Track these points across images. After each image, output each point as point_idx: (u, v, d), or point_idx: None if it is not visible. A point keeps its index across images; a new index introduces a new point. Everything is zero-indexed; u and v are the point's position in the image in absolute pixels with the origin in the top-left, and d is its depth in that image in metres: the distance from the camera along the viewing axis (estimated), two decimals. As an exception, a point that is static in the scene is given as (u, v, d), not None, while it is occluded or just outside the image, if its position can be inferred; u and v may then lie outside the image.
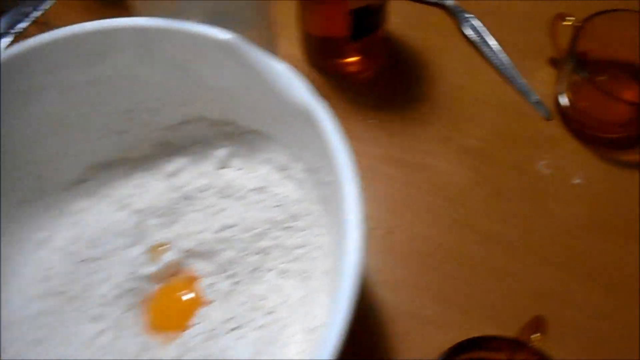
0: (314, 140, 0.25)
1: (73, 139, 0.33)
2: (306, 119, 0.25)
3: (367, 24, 0.38)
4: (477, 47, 0.43)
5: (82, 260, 0.32)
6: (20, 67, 0.28)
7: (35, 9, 0.48)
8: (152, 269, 0.31)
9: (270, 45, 0.39)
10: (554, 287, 0.33)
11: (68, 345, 0.30)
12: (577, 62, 0.36)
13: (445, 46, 0.44)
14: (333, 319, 0.19)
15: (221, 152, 0.33)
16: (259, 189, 0.31)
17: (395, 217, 0.36)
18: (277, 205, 0.31)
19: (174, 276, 0.32)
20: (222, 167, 0.33)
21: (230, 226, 0.31)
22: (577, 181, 0.37)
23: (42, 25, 0.47)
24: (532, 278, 0.34)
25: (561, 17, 0.39)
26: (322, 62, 0.43)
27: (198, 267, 0.31)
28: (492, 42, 0.43)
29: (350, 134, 0.40)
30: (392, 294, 0.34)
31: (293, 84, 0.25)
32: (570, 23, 0.38)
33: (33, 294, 0.31)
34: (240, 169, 0.33)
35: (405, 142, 0.39)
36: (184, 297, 0.31)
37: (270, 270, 0.30)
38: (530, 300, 0.33)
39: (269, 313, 0.29)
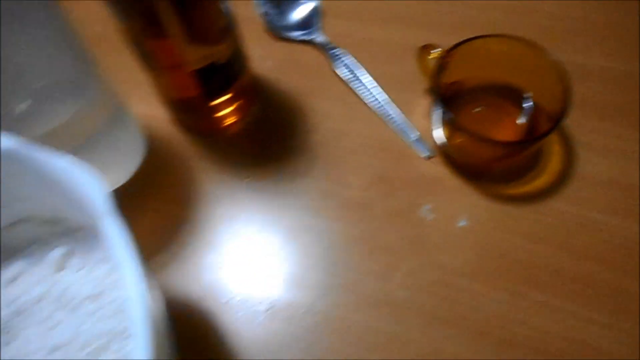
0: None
1: None
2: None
3: (218, 80, 0.35)
4: (351, 86, 0.40)
5: None
6: None
7: None
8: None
9: (120, 113, 0.35)
10: (446, 348, 0.31)
11: None
12: (441, 100, 0.33)
13: (321, 88, 0.41)
14: None
15: (56, 253, 0.29)
16: (94, 297, 0.27)
17: (276, 289, 0.33)
18: (118, 312, 0.27)
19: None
20: (60, 270, 0.29)
21: (64, 345, 0.27)
22: (462, 224, 0.34)
23: None
24: (423, 340, 0.31)
25: (427, 49, 0.36)
26: (187, 122, 0.39)
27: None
28: (367, 78, 0.40)
29: (224, 199, 0.37)
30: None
31: (79, 186, 0.22)
32: (436, 55, 0.36)
33: None
34: (80, 269, 0.29)
35: (281, 201, 0.36)
36: None
37: (118, 389, 0.26)
38: (422, 367, 0.30)
39: None
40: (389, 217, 0.35)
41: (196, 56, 0.32)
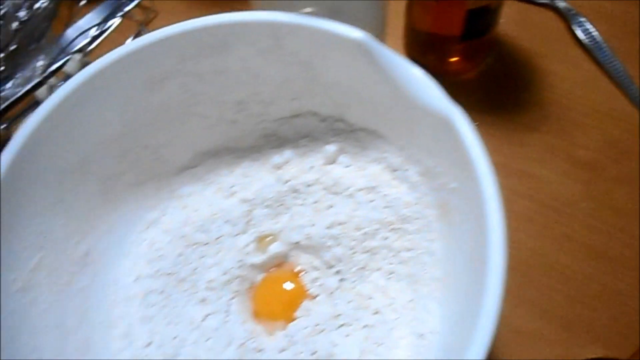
0: (446, 147, 0.24)
1: (187, 126, 0.34)
2: (439, 125, 0.24)
3: (479, 25, 0.37)
4: (589, 52, 0.41)
5: (192, 244, 0.33)
6: (149, 57, 0.29)
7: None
8: (259, 258, 0.32)
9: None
10: (667, 312, 0.32)
11: (177, 325, 0.31)
12: None
13: (554, 50, 0.42)
14: (476, 337, 0.19)
15: (330, 148, 0.33)
16: (369, 189, 0.31)
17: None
18: (387, 206, 0.31)
19: (278, 267, 0.32)
20: (330, 163, 0.33)
21: (341, 223, 0.31)
22: (695, 202, 0.35)
23: (146, 9, 0.48)
24: (643, 299, 0.32)
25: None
26: (423, 58, 0.42)
27: (303, 260, 0.32)
28: (607, 48, 0.41)
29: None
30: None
31: (429, 90, 0.25)
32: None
33: (144, 273, 0.32)
34: (348, 166, 0.33)
35: (510, 148, 0.38)
36: (289, 289, 0.31)
37: (377, 270, 0.30)
38: (640, 322, 0.32)
39: (375, 313, 0.29)
40: (617, 181, 0.36)
41: (480, -5, 0.34)
